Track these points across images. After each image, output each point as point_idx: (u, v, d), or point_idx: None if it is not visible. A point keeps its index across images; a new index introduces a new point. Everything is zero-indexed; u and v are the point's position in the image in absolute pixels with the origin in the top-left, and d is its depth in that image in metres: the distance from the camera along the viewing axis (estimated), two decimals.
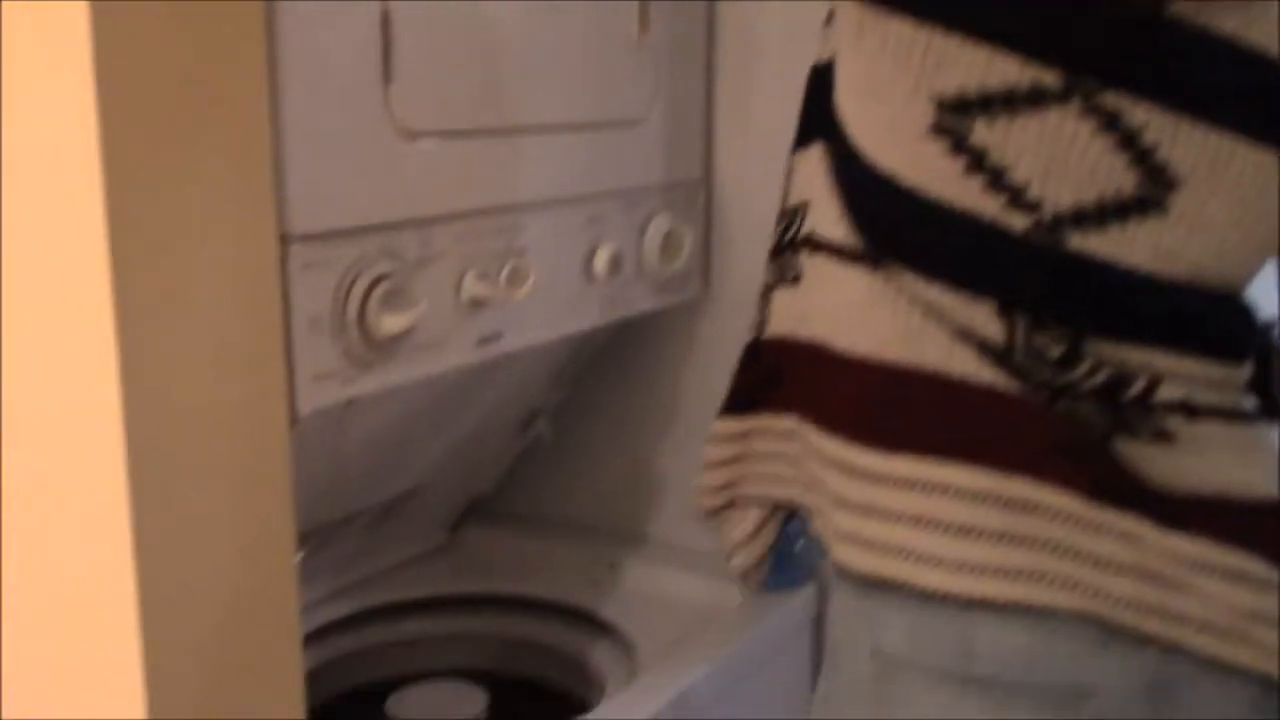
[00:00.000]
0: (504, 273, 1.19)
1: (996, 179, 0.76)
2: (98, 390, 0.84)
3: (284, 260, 0.97)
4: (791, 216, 0.95)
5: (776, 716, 1.49)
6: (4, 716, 0.96)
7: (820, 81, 0.92)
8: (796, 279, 0.93)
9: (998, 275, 0.79)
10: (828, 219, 0.87)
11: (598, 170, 1.32)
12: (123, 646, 0.87)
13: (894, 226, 0.83)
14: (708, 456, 1.05)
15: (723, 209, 1.52)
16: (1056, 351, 0.79)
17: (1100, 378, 0.79)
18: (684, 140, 1.45)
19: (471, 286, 1.15)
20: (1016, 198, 0.76)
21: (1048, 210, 0.76)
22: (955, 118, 0.76)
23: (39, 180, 0.84)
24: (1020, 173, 0.76)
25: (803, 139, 0.95)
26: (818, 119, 0.91)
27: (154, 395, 0.86)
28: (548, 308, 1.27)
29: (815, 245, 0.90)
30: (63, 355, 0.86)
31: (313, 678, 1.03)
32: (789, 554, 1.49)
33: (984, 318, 0.79)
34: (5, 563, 0.92)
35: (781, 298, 0.97)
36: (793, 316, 0.95)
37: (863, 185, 0.84)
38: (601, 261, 1.31)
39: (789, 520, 1.49)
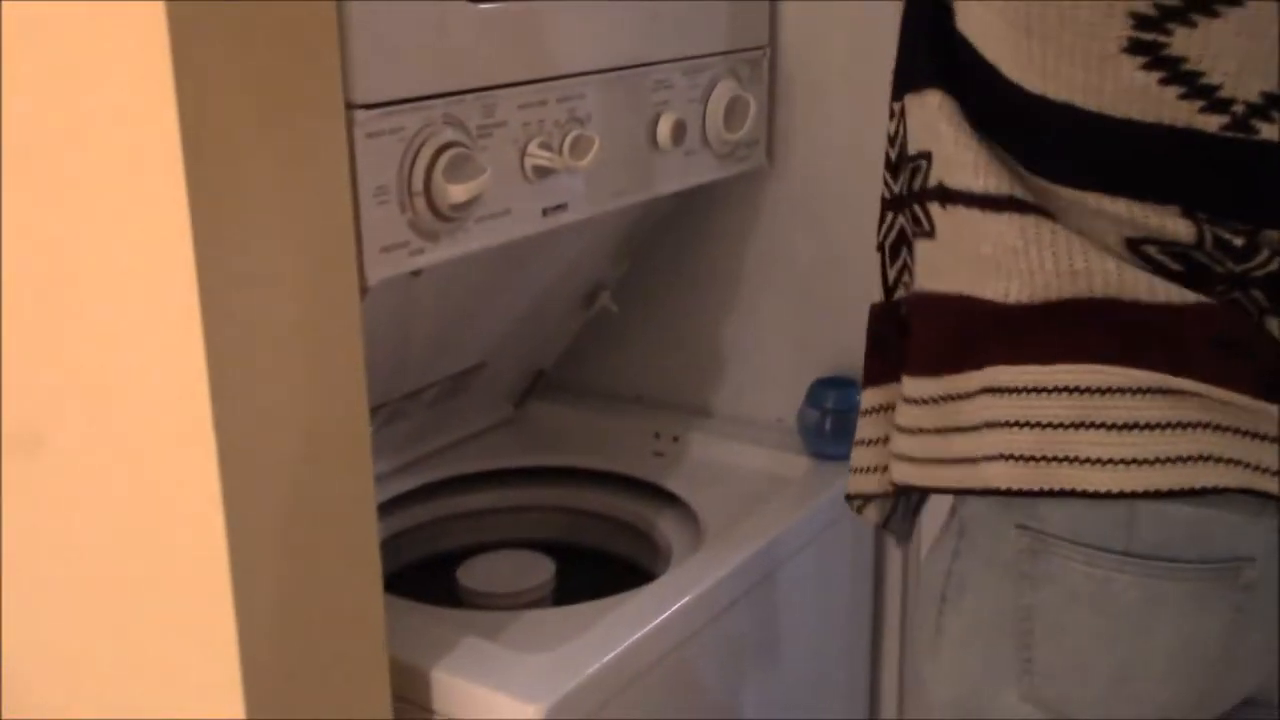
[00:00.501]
0: (567, 142, 1.17)
1: (1192, 84, 0.77)
2: (173, 263, 0.84)
3: (349, 129, 0.97)
4: (913, 168, 0.93)
5: (839, 585, 1.50)
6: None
7: (923, 29, 0.91)
8: (930, 232, 0.92)
9: (1188, 178, 0.81)
10: (963, 170, 0.86)
11: (660, 37, 1.29)
12: (206, 518, 0.88)
13: (1072, 153, 0.83)
14: (860, 433, 1.06)
15: (787, 77, 1.49)
16: (1238, 242, 0.80)
17: (1274, 265, 0.81)
18: (748, 5, 1.42)
19: (535, 155, 1.14)
20: (1211, 99, 0.77)
21: (1239, 106, 0.77)
22: (1153, 30, 0.77)
23: (104, 43, 0.84)
24: (1216, 74, 0.77)
25: (910, 84, 0.93)
26: (928, 66, 0.90)
27: (226, 269, 0.86)
28: (612, 177, 1.25)
29: (948, 196, 0.88)
30: (138, 230, 0.86)
31: (385, 548, 1.05)
32: (852, 424, 1.50)
33: (1172, 221, 0.80)
34: (93, 429, 0.94)
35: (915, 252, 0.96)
36: (927, 271, 0.93)
37: (1027, 122, 0.84)
38: (665, 130, 1.29)
39: (849, 388, 1.49)
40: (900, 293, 0.99)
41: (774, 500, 1.41)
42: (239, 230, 0.87)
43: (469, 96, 1.08)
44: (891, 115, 0.96)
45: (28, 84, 0.87)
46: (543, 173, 1.15)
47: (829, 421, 1.49)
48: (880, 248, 1.01)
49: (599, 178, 1.23)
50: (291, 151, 0.90)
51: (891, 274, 1.00)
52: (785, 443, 1.53)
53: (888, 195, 1.00)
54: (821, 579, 1.46)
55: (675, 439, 1.58)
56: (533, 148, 1.14)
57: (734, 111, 1.38)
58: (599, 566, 1.49)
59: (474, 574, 1.38)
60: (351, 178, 0.97)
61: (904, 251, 0.98)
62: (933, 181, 0.90)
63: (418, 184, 1.03)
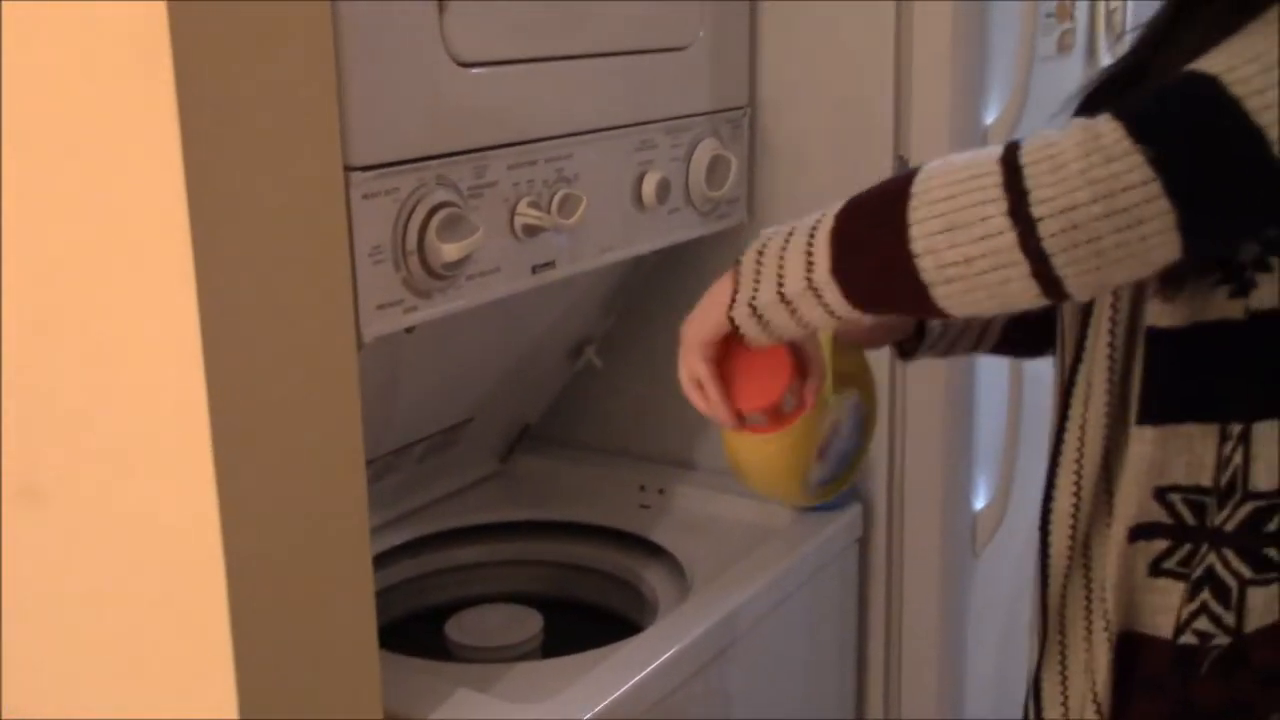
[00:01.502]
0: (556, 200, 1.20)
1: None
2: (177, 321, 0.86)
3: (346, 190, 0.99)
4: (1264, 507, 0.88)
5: (824, 635, 1.52)
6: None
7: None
8: None
9: None
10: None
11: (645, 97, 1.33)
12: (205, 573, 0.89)
13: None
14: None
15: (766, 136, 1.52)
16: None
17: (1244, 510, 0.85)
18: (729, 66, 1.45)
19: (525, 214, 1.17)
20: None
21: None
22: None
23: (114, 111, 0.86)
24: None
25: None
26: None
27: (228, 327, 0.88)
28: (598, 235, 1.28)
29: None
30: (143, 284, 0.88)
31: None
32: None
33: None
34: (93, 484, 0.95)
35: None
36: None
37: None
38: (650, 188, 1.32)
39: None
40: (1189, 637, 0.89)
41: (759, 551, 1.43)
42: (241, 287, 0.89)
43: (461, 158, 1.10)
44: (1227, 438, 0.87)
45: (33, 164, 0.90)
46: (532, 231, 1.18)
47: None
48: (1172, 574, 0.91)
49: (586, 235, 1.26)
50: (291, 212, 0.92)
51: (1185, 611, 0.89)
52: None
53: (1192, 522, 0.89)
54: (807, 629, 1.47)
55: (661, 491, 1.60)
56: (522, 207, 1.17)
57: (716, 170, 1.41)
58: (587, 620, 1.50)
59: (462, 628, 1.39)
60: (348, 237, 0.99)
61: (1205, 590, 0.88)
62: None
63: (412, 243, 1.06)
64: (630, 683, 1.17)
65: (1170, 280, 0.83)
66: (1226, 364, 0.87)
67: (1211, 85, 0.73)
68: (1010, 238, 0.73)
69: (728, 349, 0.94)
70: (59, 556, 0.98)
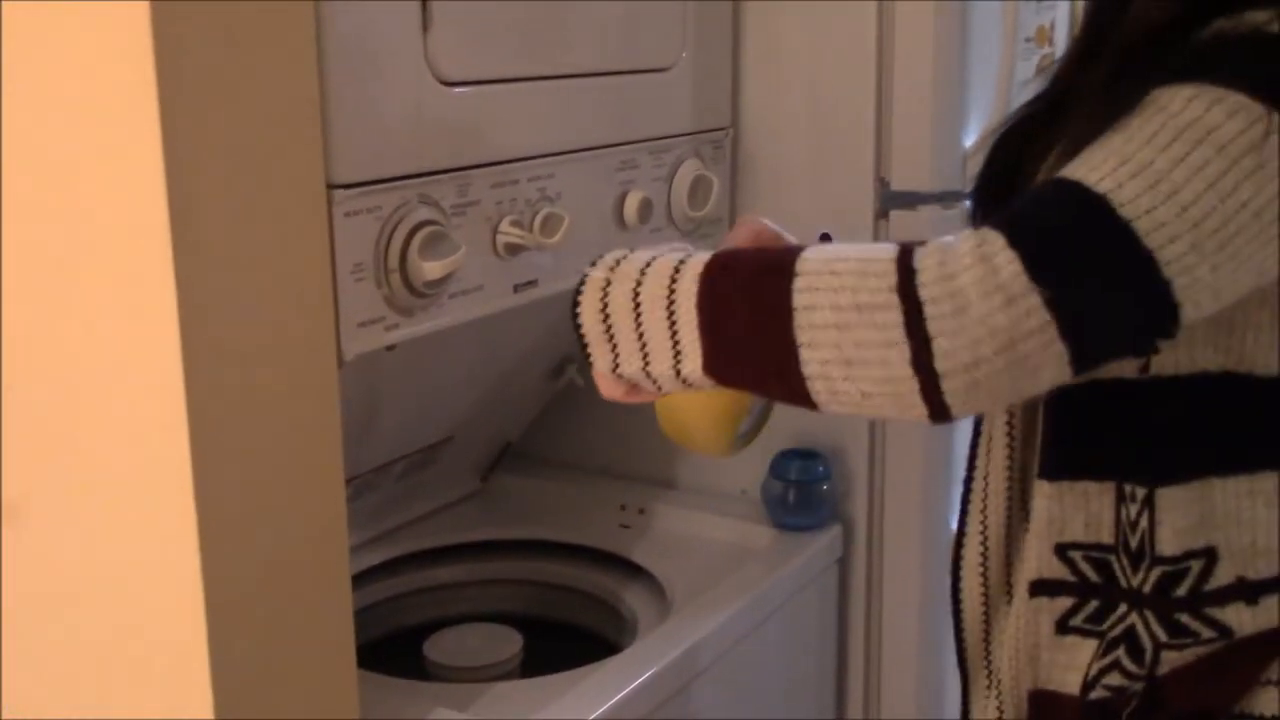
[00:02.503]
0: (538, 219, 1.20)
1: None
2: (157, 335, 0.86)
3: (329, 208, 0.99)
4: (1178, 571, 0.87)
5: (804, 654, 1.52)
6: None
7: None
8: (1218, 636, 0.87)
9: None
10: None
11: (628, 118, 1.33)
12: (183, 591, 0.89)
13: None
14: None
15: (749, 157, 1.53)
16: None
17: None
18: (712, 87, 1.46)
19: (507, 233, 1.17)
20: None
21: None
22: None
23: (96, 128, 0.86)
24: None
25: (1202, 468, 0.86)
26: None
27: (209, 342, 0.88)
28: (581, 254, 1.27)
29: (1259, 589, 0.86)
30: (124, 302, 0.88)
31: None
32: (815, 495, 1.52)
33: None
34: (72, 502, 0.94)
35: None
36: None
37: None
38: (632, 208, 1.33)
39: (813, 459, 1.51)
40: (1100, 692, 0.87)
41: (739, 571, 1.43)
42: (222, 304, 0.89)
43: (444, 176, 1.11)
44: (1128, 499, 0.86)
45: (13, 180, 0.89)
46: (514, 250, 1.18)
47: (792, 493, 1.52)
48: (1080, 631, 0.89)
49: (568, 254, 1.26)
50: (273, 229, 0.92)
51: (1095, 667, 0.87)
52: (750, 514, 1.55)
53: (1096, 580, 0.88)
54: (787, 649, 1.47)
55: (641, 511, 1.60)
56: (505, 225, 1.17)
57: (698, 190, 1.42)
58: (566, 639, 1.49)
59: (441, 648, 1.38)
60: (330, 255, 0.99)
61: (1120, 648, 0.87)
62: (1225, 580, 0.84)
63: (394, 261, 1.06)
64: (610, 703, 1.16)
65: None
66: (1123, 424, 0.86)
67: (1101, 207, 0.71)
68: (911, 385, 0.72)
69: None
70: (38, 573, 0.97)
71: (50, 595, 0.97)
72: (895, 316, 0.71)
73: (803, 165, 1.50)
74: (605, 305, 0.83)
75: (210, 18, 0.85)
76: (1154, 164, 0.71)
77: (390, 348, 1.10)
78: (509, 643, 1.38)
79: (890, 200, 1.48)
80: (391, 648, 1.45)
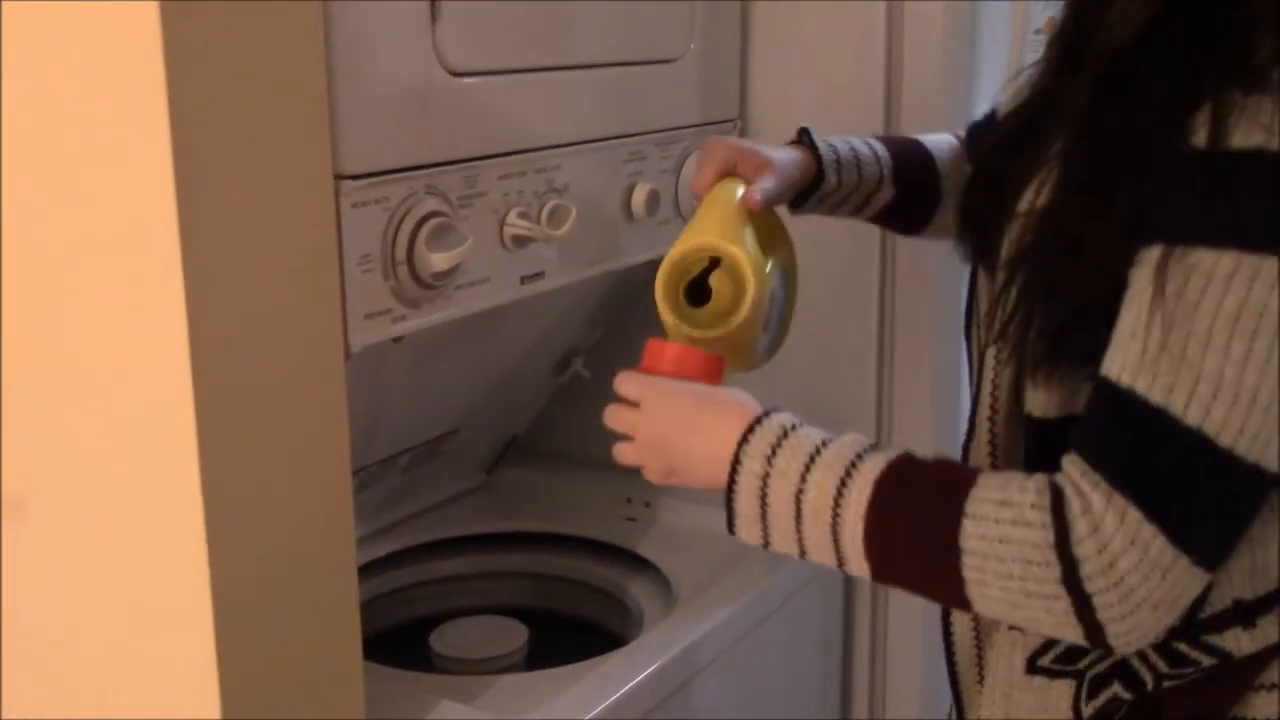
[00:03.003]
0: (545, 211, 1.20)
1: None
2: (166, 326, 0.86)
3: (336, 199, 0.99)
4: None
5: (809, 650, 1.52)
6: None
7: None
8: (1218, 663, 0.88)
9: None
10: None
11: (635, 109, 1.33)
12: (191, 581, 0.89)
13: None
14: None
15: None
16: None
17: None
18: (719, 79, 1.46)
19: (514, 224, 1.17)
20: None
21: None
22: None
23: (105, 121, 0.86)
24: None
25: None
26: None
27: (216, 333, 0.88)
28: (587, 246, 1.28)
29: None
30: (131, 293, 0.88)
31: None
32: None
33: None
34: (78, 494, 0.94)
35: None
36: None
37: None
38: (639, 200, 1.32)
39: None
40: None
41: (745, 565, 1.42)
42: (229, 294, 0.88)
43: (451, 167, 1.10)
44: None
45: (19, 172, 0.89)
46: (521, 242, 1.18)
47: None
48: (1048, 672, 0.90)
49: (575, 246, 1.25)
50: (281, 220, 0.92)
51: (1088, 710, 0.88)
52: None
53: None
54: (792, 644, 1.47)
55: (647, 504, 1.59)
56: (512, 217, 1.17)
57: None
58: (572, 632, 1.49)
59: (447, 640, 1.38)
60: (337, 246, 0.99)
61: (1114, 685, 0.87)
62: (1221, 605, 0.84)
63: (401, 253, 1.05)
64: (615, 696, 1.16)
65: (1046, 370, 0.83)
66: None
67: (1202, 446, 0.74)
68: (1079, 635, 0.78)
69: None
70: (45, 567, 0.97)
71: (54, 591, 0.97)
72: (1065, 605, 0.77)
73: None
74: (764, 500, 0.86)
75: (219, 10, 0.85)
76: (1225, 374, 0.73)
77: (397, 340, 1.09)
78: (514, 635, 1.38)
79: None
80: (397, 640, 1.44)
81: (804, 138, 1.14)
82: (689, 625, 1.30)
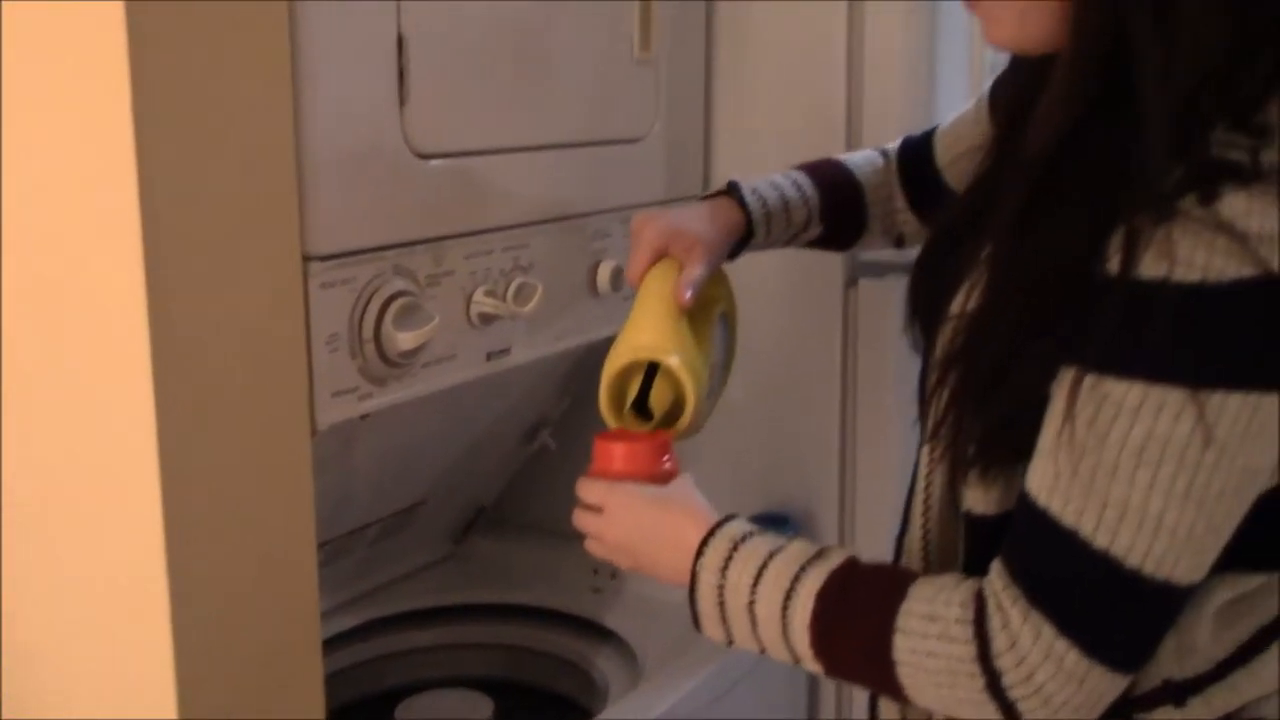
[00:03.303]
0: (512, 289, 1.22)
1: None
2: (134, 403, 0.87)
3: (305, 280, 1.00)
4: None
5: (775, 719, 1.52)
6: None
7: None
8: None
9: None
10: None
11: (601, 187, 1.35)
12: (154, 649, 0.90)
13: None
14: None
15: None
16: None
17: None
18: (683, 157, 1.49)
19: (481, 302, 1.19)
20: None
21: None
22: None
23: (77, 197, 0.88)
24: None
25: None
26: None
27: (185, 413, 0.89)
28: (554, 322, 1.30)
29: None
30: (100, 370, 0.89)
31: (324, 685, 1.06)
32: None
33: None
34: (46, 563, 0.94)
35: None
36: None
37: None
38: (604, 276, 1.35)
39: (783, 524, 1.52)
40: None
41: None
42: (197, 373, 0.90)
43: (419, 247, 1.12)
44: None
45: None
46: (488, 319, 1.20)
47: None
48: None
49: (541, 323, 1.27)
50: (250, 301, 0.94)
51: None
52: None
53: None
54: (758, 715, 1.47)
55: (613, 575, 1.60)
56: (479, 295, 1.18)
57: None
58: (538, 704, 1.49)
59: (414, 713, 1.38)
60: (305, 326, 1.01)
61: None
62: (1151, 684, 0.86)
63: (368, 332, 1.07)
64: None
65: (979, 470, 0.86)
66: None
67: (1110, 567, 0.77)
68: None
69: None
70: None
71: (27, 689, 0.97)
72: (992, 709, 0.82)
73: None
74: (723, 608, 0.92)
75: (190, 90, 0.87)
76: (1131, 501, 0.76)
77: (364, 416, 1.11)
78: (481, 708, 1.38)
79: (859, 269, 1.50)
80: (364, 713, 1.44)
81: (732, 192, 1.16)
82: (654, 698, 1.31)
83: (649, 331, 1.04)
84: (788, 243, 1.21)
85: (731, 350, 1.21)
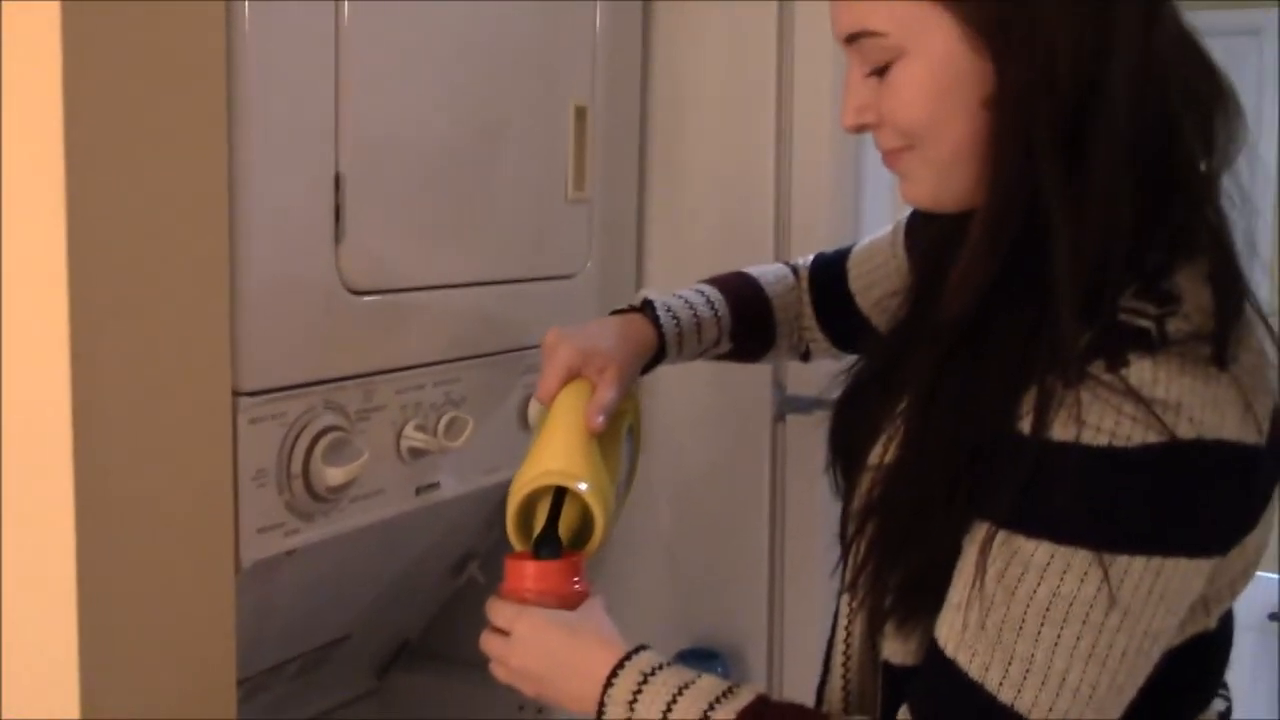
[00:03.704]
0: (442, 423, 1.22)
1: None
2: (55, 532, 0.86)
3: (233, 415, 1.00)
4: None
5: None
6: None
7: None
8: None
9: None
10: None
11: (533, 323, 1.36)
12: None
13: None
14: None
15: None
16: None
17: None
18: (616, 293, 1.51)
19: (411, 437, 1.19)
20: None
21: None
22: None
23: (11, 321, 0.87)
24: None
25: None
26: None
27: (106, 542, 0.88)
28: (484, 455, 1.30)
29: None
30: (22, 496, 0.88)
31: None
32: None
33: None
34: None
35: None
36: None
37: None
38: (535, 411, 1.35)
39: (712, 660, 1.52)
40: None
41: None
42: (121, 506, 0.89)
43: (350, 382, 1.12)
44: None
45: None
46: (418, 454, 1.20)
47: None
48: None
49: (472, 457, 1.27)
50: (177, 434, 0.93)
51: None
52: None
53: None
54: None
55: (540, 710, 1.58)
56: (409, 430, 1.19)
57: None
58: None
59: None
60: (232, 461, 1.00)
61: None
62: None
63: (296, 467, 1.06)
64: None
65: (896, 620, 0.87)
66: None
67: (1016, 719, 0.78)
68: None
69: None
70: None
71: None
72: None
73: (703, 369, 1.54)
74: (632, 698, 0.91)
75: (127, 220, 0.88)
76: (1036, 658, 0.78)
77: (289, 551, 1.10)
78: None
79: (786, 404, 1.53)
80: None
81: (646, 310, 1.17)
82: None
83: (560, 456, 1.04)
84: (696, 357, 1.23)
85: (635, 461, 1.22)
